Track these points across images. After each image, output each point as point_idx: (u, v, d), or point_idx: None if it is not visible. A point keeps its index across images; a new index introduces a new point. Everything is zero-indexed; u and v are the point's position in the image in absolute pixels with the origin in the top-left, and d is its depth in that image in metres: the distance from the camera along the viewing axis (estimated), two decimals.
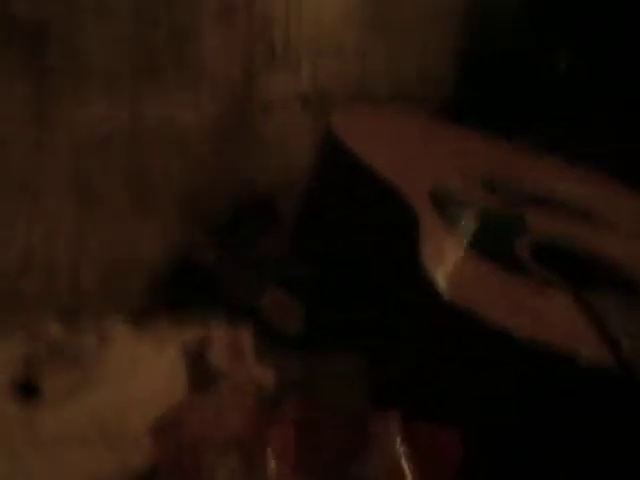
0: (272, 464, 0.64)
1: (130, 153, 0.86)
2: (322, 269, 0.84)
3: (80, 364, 0.74)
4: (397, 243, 0.79)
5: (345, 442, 0.64)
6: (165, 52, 0.87)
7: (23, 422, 0.68)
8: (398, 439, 0.61)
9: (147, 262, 0.91)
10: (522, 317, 0.70)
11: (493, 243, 0.80)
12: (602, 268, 0.80)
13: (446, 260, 0.77)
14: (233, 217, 0.95)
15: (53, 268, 0.84)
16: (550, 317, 0.72)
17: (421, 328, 0.73)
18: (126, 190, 0.87)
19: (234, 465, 0.64)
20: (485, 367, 0.68)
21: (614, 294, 0.75)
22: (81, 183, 0.83)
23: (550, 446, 0.65)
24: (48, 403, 0.70)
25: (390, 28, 1.05)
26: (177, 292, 0.91)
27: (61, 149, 0.81)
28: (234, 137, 0.94)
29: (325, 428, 0.66)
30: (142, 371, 0.73)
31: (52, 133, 0.79)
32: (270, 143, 0.97)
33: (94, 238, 0.86)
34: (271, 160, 0.97)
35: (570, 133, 1.04)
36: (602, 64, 1.09)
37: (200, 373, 0.74)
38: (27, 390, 0.65)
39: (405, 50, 1.08)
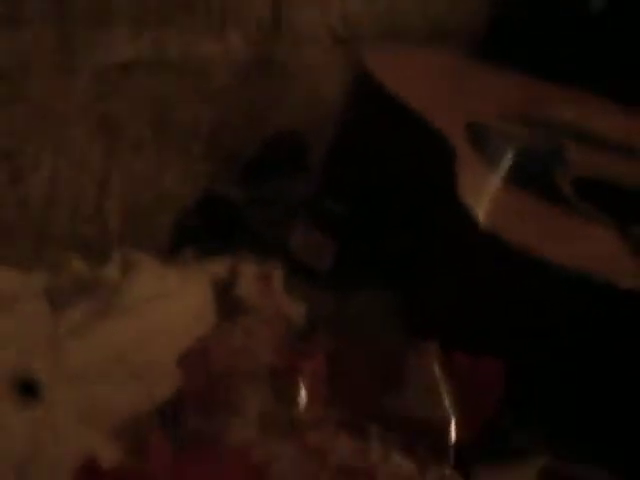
0: (303, 396, 0.62)
1: (152, 83, 0.83)
2: (355, 204, 0.82)
3: (103, 295, 0.72)
4: (432, 176, 0.76)
5: (379, 374, 0.62)
6: None
7: (47, 355, 0.66)
8: (437, 370, 0.59)
9: (172, 198, 0.88)
10: (562, 247, 0.68)
11: (532, 176, 0.77)
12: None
13: (484, 192, 0.74)
14: (260, 153, 0.93)
15: (78, 201, 0.82)
16: (592, 248, 0.69)
17: (458, 260, 0.70)
18: (149, 122, 0.84)
19: (264, 396, 0.62)
20: (524, 297, 0.66)
21: None
22: (104, 112, 0.81)
23: (590, 375, 0.63)
24: (70, 335, 0.68)
25: None
26: (203, 229, 0.89)
27: (84, 74, 0.78)
28: (261, 71, 0.91)
29: (357, 361, 0.64)
30: (168, 302, 0.70)
31: (75, 57, 0.77)
32: (299, 78, 0.94)
33: (118, 172, 0.84)
34: (300, 95, 0.94)
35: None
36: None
37: (228, 304, 0.72)
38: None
39: None
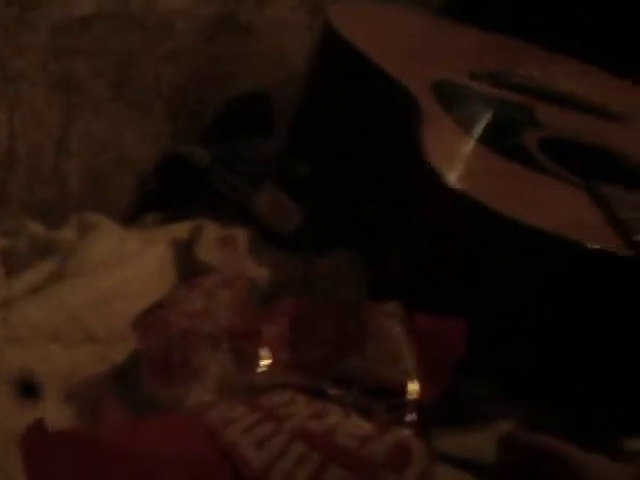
0: (263, 359, 0.60)
1: (113, 38, 0.80)
2: (321, 165, 0.80)
3: (59, 258, 0.70)
4: (399, 135, 0.75)
5: (342, 336, 0.60)
6: None
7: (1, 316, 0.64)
8: (398, 330, 0.57)
9: (133, 159, 0.86)
10: (530, 207, 0.66)
11: (501, 136, 0.75)
12: (611, 160, 0.76)
13: (453, 151, 0.72)
14: (225, 113, 0.91)
15: (36, 163, 0.79)
16: (560, 208, 0.68)
17: (423, 220, 0.69)
18: (109, 79, 0.81)
19: (223, 360, 0.60)
20: (491, 257, 0.64)
21: (623, 185, 0.71)
22: (62, 69, 0.78)
23: (556, 335, 0.61)
24: (24, 297, 0.66)
25: None
26: (166, 192, 0.86)
27: (42, 29, 0.75)
28: (225, 28, 0.89)
29: (321, 323, 0.63)
30: (125, 264, 0.68)
31: (32, 10, 0.74)
32: (264, 37, 0.91)
33: (77, 132, 0.81)
34: (265, 54, 0.92)
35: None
36: None
37: (189, 267, 0.70)
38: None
39: None
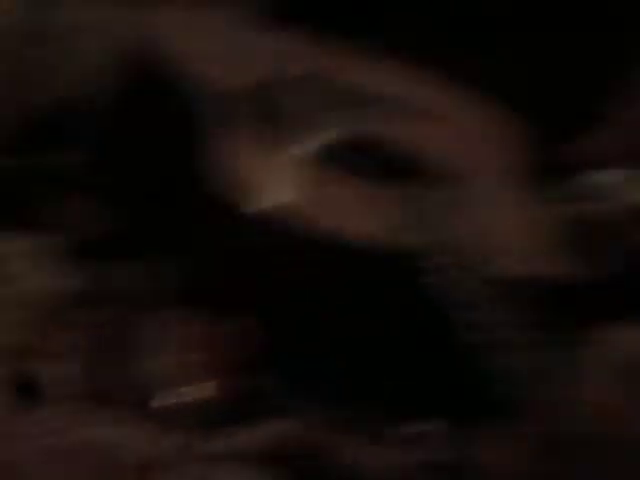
0: (51, 373, 0.60)
1: None
2: (128, 175, 0.80)
3: None
4: (201, 144, 0.75)
5: (126, 344, 0.61)
6: None
7: None
8: (175, 334, 0.59)
9: None
10: (335, 214, 0.68)
11: (317, 144, 0.76)
12: (407, 160, 0.79)
13: (255, 162, 0.73)
14: (31, 123, 0.89)
15: None
16: (366, 211, 0.69)
17: (224, 233, 0.70)
18: None
19: (10, 376, 0.60)
20: (273, 257, 0.66)
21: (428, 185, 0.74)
22: None
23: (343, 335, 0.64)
24: None
25: None
26: None
27: None
28: (28, 37, 0.87)
29: (113, 332, 0.63)
30: None
31: None
32: (70, 44, 0.90)
33: None
34: (71, 62, 0.91)
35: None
36: None
37: None
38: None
39: None
